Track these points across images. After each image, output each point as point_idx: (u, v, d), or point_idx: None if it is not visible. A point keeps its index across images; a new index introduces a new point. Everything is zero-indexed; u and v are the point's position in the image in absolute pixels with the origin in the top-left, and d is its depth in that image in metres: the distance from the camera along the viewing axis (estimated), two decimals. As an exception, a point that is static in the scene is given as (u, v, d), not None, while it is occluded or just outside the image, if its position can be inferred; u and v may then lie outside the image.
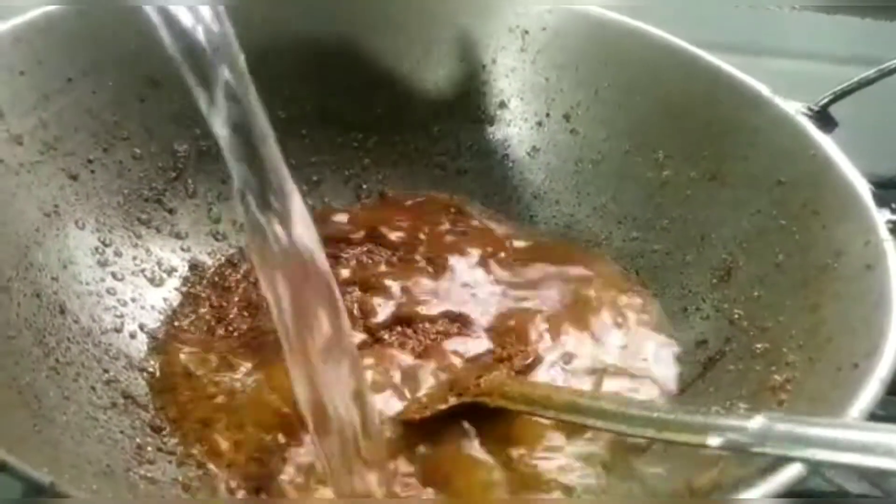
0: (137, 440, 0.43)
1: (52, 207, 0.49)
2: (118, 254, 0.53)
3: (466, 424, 0.45)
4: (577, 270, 0.57)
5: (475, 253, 0.58)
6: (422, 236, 0.59)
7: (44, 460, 0.34)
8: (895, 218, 0.43)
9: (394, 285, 0.55)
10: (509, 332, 0.52)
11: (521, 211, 0.62)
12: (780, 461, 0.31)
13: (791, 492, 0.41)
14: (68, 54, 0.52)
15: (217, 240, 0.57)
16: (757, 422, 0.32)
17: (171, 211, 0.56)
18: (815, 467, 0.30)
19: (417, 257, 0.58)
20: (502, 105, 0.63)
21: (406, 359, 0.50)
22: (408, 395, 0.48)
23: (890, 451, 0.28)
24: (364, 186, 0.63)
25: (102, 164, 0.53)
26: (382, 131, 0.63)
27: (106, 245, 0.52)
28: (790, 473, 0.30)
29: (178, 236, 0.56)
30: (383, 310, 0.53)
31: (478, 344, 0.52)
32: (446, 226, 0.61)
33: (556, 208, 0.62)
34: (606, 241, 0.59)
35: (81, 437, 0.40)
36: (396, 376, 0.49)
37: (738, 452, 0.33)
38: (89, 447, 0.40)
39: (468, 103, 0.63)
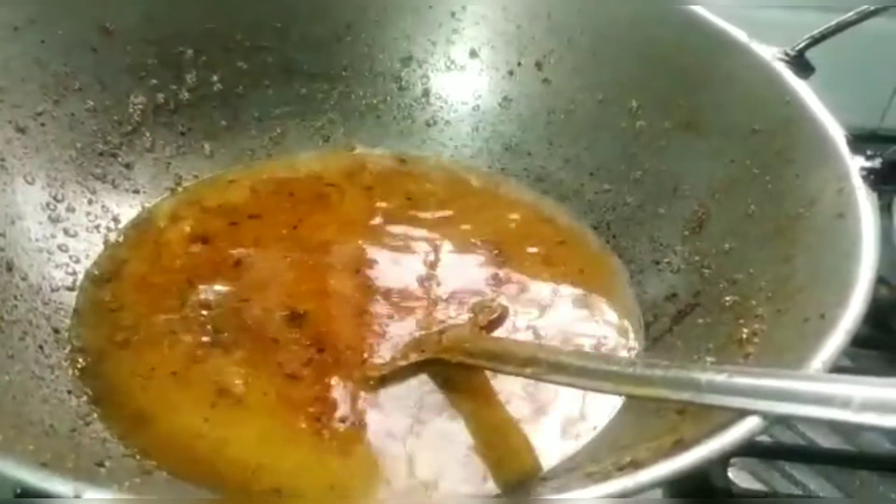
0: (85, 399, 0.42)
1: (-2, 161, 0.48)
2: (71, 209, 0.51)
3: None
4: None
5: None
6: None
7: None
8: (869, 165, 0.41)
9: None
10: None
11: (492, 163, 0.61)
12: (740, 414, 0.30)
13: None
14: (14, 1, 0.49)
15: (176, 194, 0.56)
16: (716, 375, 0.31)
17: (127, 165, 0.55)
18: (773, 420, 0.29)
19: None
20: (473, 54, 0.61)
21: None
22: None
23: (847, 402, 0.27)
24: (330, 138, 0.61)
25: (53, 117, 0.51)
26: (348, 82, 0.61)
27: (58, 200, 0.50)
28: (747, 426, 0.29)
29: (135, 191, 0.55)
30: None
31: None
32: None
33: (527, 160, 0.60)
34: (578, 193, 0.58)
35: (24, 398, 0.39)
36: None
37: (696, 406, 0.32)
38: (32, 407, 0.38)
39: (437, 52, 0.61)
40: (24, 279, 0.46)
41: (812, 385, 0.29)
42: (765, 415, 0.29)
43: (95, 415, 0.41)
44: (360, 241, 0.54)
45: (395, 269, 0.53)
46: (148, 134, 0.56)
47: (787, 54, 0.49)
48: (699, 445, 0.29)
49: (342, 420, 0.43)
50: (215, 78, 0.58)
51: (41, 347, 0.43)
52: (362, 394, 0.44)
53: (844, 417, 0.27)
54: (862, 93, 0.72)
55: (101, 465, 0.36)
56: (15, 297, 0.44)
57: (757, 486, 0.50)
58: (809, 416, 0.28)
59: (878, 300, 0.58)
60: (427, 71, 0.62)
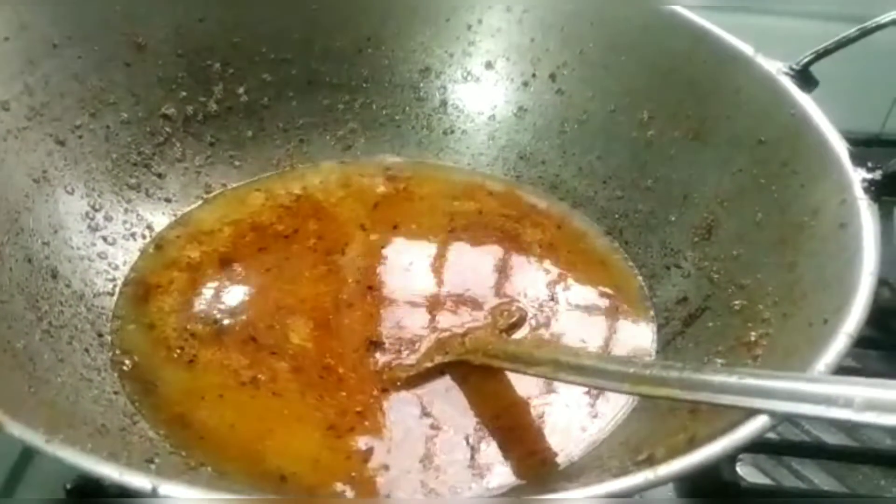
0: (130, 400, 0.44)
1: (40, 173, 0.50)
2: (108, 218, 0.53)
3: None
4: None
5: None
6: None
7: (40, 421, 0.35)
8: (870, 176, 0.44)
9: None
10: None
11: (507, 171, 0.63)
12: (749, 414, 0.33)
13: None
14: (53, 19, 0.52)
15: (206, 202, 0.58)
16: (727, 377, 0.34)
17: (159, 175, 0.57)
18: (780, 418, 0.32)
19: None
20: (489, 65, 0.63)
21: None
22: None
23: (849, 402, 0.29)
24: (352, 147, 0.64)
25: (90, 130, 0.54)
26: (369, 93, 0.63)
27: (96, 210, 0.53)
28: (756, 425, 0.32)
29: (167, 200, 0.57)
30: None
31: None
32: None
33: (542, 168, 0.62)
34: (591, 200, 0.60)
35: (76, 398, 0.41)
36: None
37: (710, 406, 0.35)
38: (84, 407, 0.41)
39: (455, 64, 0.64)
40: (67, 286, 0.48)
41: (817, 386, 0.31)
42: (773, 413, 0.32)
43: (140, 415, 0.44)
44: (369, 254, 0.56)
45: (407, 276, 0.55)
46: (178, 145, 0.58)
47: (791, 69, 0.51)
48: (713, 442, 0.32)
49: (367, 419, 0.46)
50: (241, 90, 0.61)
51: (87, 350, 0.46)
52: (390, 394, 0.47)
53: (847, 416, 0.29)
54: (864, 100, 0.74)
55: (150, 461, 0.39)
56: (61, 304, 0.47)
57: (764, 480, 0.52)
58: (814, 416, 0.30)
59: (880, 302, 0.60)
60: (445, 82, 0.64)
